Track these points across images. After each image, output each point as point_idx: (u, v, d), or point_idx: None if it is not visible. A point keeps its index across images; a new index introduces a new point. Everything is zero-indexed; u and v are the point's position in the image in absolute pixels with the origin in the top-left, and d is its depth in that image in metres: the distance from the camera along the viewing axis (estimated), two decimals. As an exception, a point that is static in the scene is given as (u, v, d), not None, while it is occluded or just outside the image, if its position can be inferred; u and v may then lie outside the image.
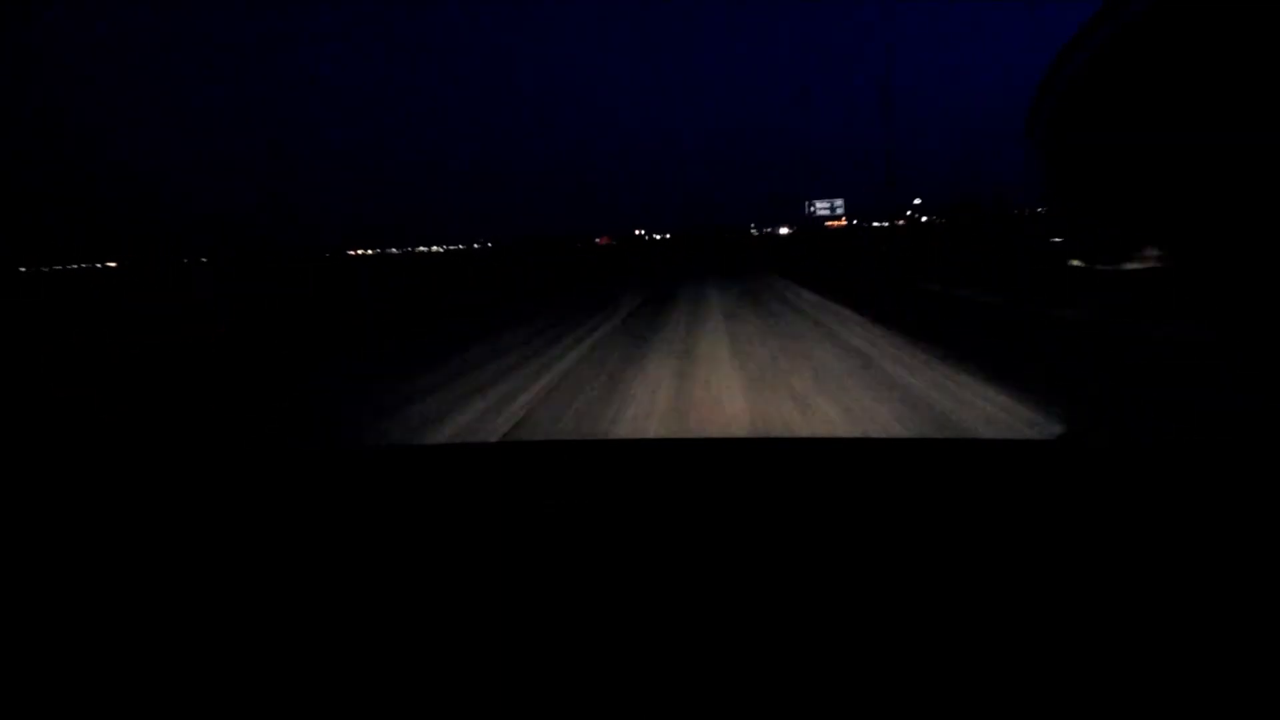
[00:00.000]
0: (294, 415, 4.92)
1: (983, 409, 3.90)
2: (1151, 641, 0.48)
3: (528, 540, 0.69)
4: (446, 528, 0.75)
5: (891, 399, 4.22)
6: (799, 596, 0.56)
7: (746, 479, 0.87)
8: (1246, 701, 0.42)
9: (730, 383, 4.91)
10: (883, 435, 3.55)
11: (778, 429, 3.75)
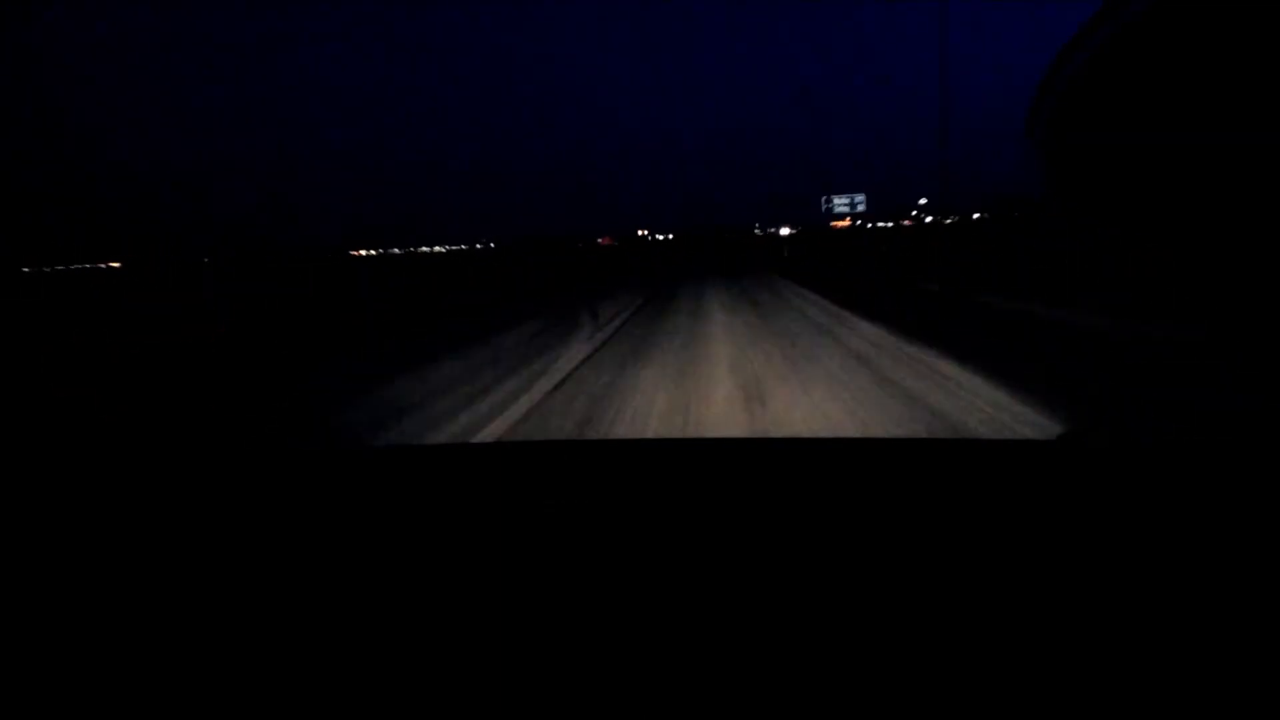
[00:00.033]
0: (293, 415, 4.92)
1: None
2: (1151, 640, 0.48)
3: (527, 540, 0.69)
4: (446, 528, 0.75)
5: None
6: (799, 597, 0.56)
7: (746, 479, 0.87)
8: (1246, 701, 0.42)
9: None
10: (873, 434, 3.56)
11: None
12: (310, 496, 0.89)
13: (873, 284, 12.98)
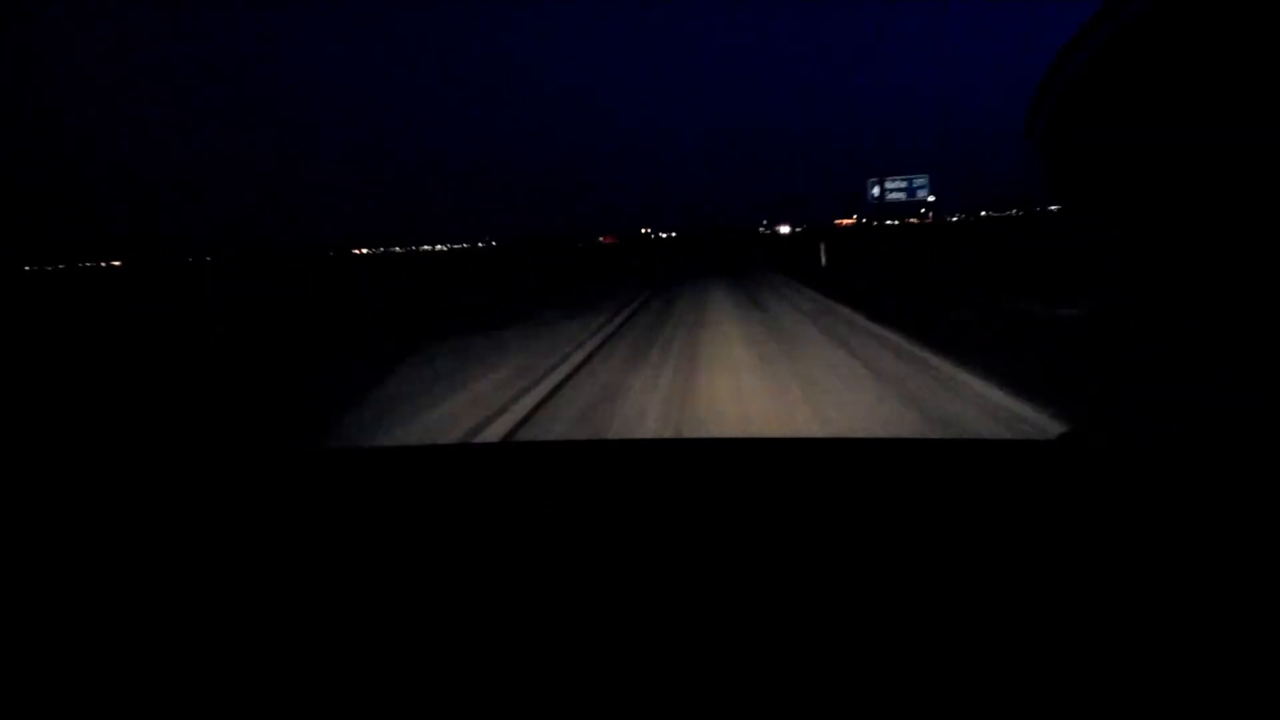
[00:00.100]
0: (293, 415, 4.92)
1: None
2: (1152, 641, 0.47)
3: (527, 540, 0.69)
4: (446, 528, 0.75)
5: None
6: (800, 597, 0.56)
7: (747, 479, 0.87)
8: (1246, 701, 0.42)
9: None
10: (881, 436, 3.55)
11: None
12: (310, 496, 0.89)
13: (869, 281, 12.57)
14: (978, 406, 3.98)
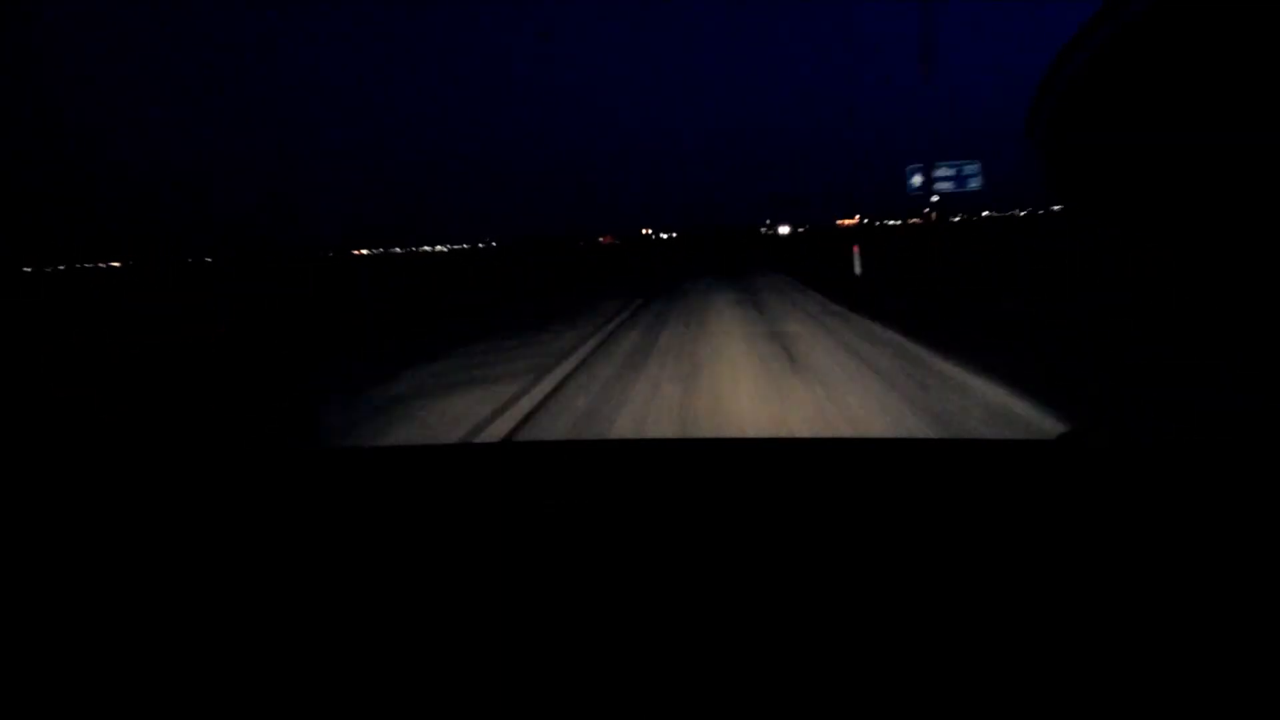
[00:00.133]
0: (293, 415, 4.92)
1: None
2: (1151, 640, 0.47)
3: (528, 540, 0.69)
4: (447, 528, 0.75)
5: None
6: (800, 597, 0.56)
7: (747, 479, 0.87)
8: (1246, 701, 0.42)
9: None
10: (882, 435, 3.55)
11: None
12: (310, 496, 0.89)
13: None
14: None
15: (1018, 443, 1.25)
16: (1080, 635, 0.48)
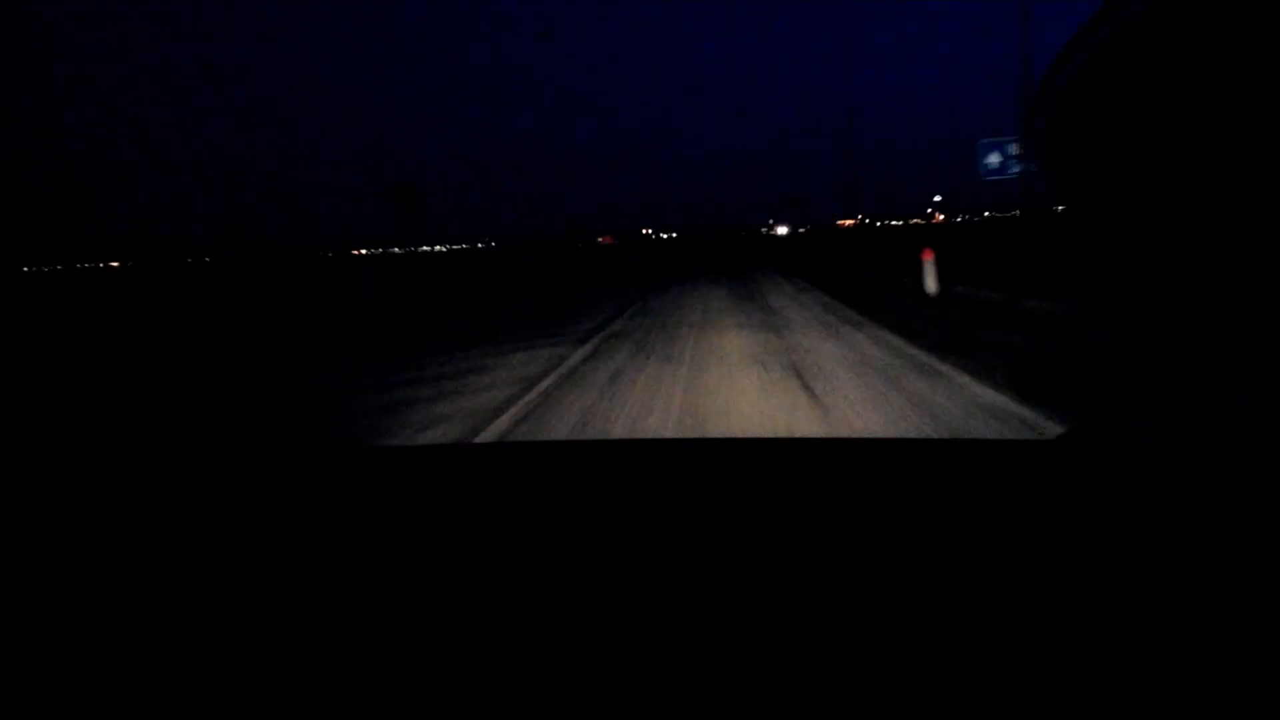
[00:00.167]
0: (293, 415, 4.92)
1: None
2: (1151, 641, 0.48)
3: (527, 541, 0.69)
4: (446, 528, 0.75)
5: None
6: (799, 597, 0.56)
7: (746, 479, 0.87)
8: (1246, 701, 0.42)
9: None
10: (882, 436, 3.55)
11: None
12: (310, 497, 0.89)
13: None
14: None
15: (1017, 443, 1.25)
16: (1080, 635, 0.48)
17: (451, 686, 0.47)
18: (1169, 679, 0.44)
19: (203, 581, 0.63)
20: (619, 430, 3.84)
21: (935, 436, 3.42)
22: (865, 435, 3.58)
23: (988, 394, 4.19)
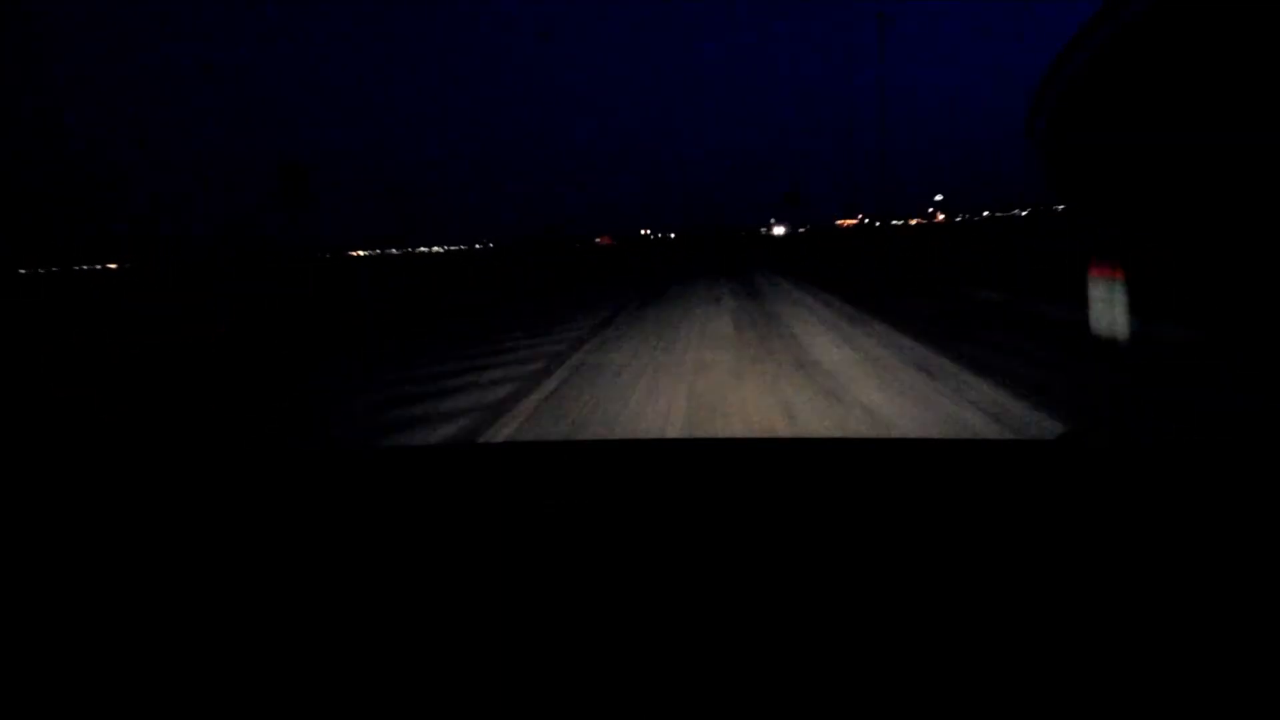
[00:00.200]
0: (293, 415, 4.92)
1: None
2: (1152, 641, 0.48)
3: (528, 541, 0.69)
4: (447, 529, 0.75)
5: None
6: (801, 597, 0.56)
7: (747, 479, 0.87)
8: (1246, 701, 0.42)
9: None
10: (882, 436, 3.55)
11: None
12: (310, 497, 0.89)
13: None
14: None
15: (1017, 443, 1.26)
16: (1080, 635, 0.48)
17: (452, 687, 0.47)
18: (1169, 678, 0.44)
19: (203, 582, 0.63)
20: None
21: (933, 437, 3.42)
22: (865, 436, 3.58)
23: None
